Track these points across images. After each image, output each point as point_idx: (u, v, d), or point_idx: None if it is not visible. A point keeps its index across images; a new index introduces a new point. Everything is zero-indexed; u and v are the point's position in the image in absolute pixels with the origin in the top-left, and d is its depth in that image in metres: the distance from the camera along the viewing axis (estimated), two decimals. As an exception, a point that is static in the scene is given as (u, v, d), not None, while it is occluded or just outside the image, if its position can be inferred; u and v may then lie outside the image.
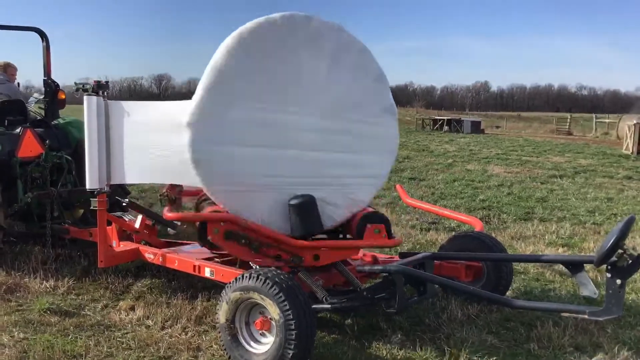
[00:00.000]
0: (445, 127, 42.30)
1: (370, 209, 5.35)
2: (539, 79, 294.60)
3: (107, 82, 5.32)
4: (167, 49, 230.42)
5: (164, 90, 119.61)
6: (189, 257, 5.53)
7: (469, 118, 47.70)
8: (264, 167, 4.88)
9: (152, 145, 5.05)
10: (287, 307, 4.07)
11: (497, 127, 51.21)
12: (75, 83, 5.38)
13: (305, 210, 4.92)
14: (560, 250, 7.93)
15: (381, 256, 5.70)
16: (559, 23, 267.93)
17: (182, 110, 4.69)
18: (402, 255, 5.63)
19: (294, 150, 4.96)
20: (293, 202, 4.91)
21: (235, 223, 4.80)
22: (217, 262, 5.46)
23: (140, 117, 5.20)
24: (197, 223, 5.11)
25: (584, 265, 4.77)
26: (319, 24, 4.97)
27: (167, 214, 5.32)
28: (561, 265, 6.41)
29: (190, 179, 4.82)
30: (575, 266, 4.79)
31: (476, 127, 41.76)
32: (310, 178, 5.05)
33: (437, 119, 45.74)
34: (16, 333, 4.93)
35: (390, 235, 5.11)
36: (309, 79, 4.97)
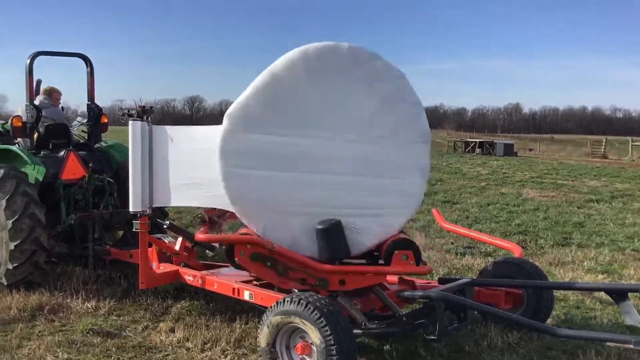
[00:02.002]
0: (478, 150, 42.00)
1: (402, 235, 5.26)
2: (572, 101, 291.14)
3: (151, 107, 5.45)
4: (200, 71, 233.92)
5: (196, 112, 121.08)
6: (228, 279, 5.59)
7: (502, 140, 47.30)
8: (295, 191, 4.94)
9: (193, 169, 5.16)
10: (329, 332, 4.08)
11: (530, 149, 50.62)
12: (121, 109, 5.53)
13: (331, 234, 4.92)
14: (600, 277, 7.79)
15: (419, 281, 5.67)
16: (592, 44, 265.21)
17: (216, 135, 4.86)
18: (442, 280, 5.60)
19: (325, 175, 5.01)
20: (319, 226, 4.92)
21: (261, 246, 4.87)
22: (256, 285, 5.50)
23: (182, 141, 5.31)
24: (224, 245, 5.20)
25: (629, 294, 4.69)
26: (353, 52, 5.00)
27: (199, 235, 5.41)
28: (602, 293, 6.34)
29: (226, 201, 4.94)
30: (619, 294, 4.72)
31: (509, 150, 41.35)
32: (341, 205, 5.05)
33: (469, 141, 45.50)
34: (60, 353, 5.02)
35: (419, 262, 5.05)
36: (343, 106, 5.01)
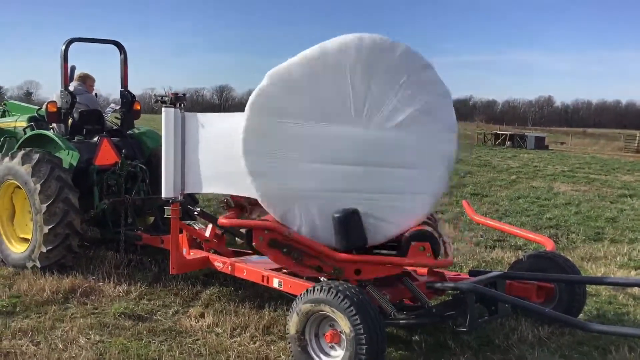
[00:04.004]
0: (508, 142, 41.49)
1: (421, 227, 5.05)
2: (605, 95, 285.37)
3: (184, 94, 5.48)
4: (229, 60, 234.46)
5: (224, 101, 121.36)
6: (258, 267, 5.61)
7: (533, 133, 46.65)
8: (316, 178, 4.89)
9: (224, 155, 5.19)
10: (358, 321, 4.09)
11: (562, 143, 49.89)
12: (155, 95, 5.57)
13: (348, 223, 4.81)
14: (633, 273, 7.67)
15: (450, 273, 5.64)
16: (628, 37, 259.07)
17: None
18: (472, 273, 5.55)
19: (347, 163, 4.89)
20: (336, 215, 4.81)
21: (279, 232, 4.89)
22: (285, 273, 5.51)
23: (214, 129, 5.35)
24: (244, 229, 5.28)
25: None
26: (372, 42, 4.86)
27: (222, 220, 5.45)
28: (635, 289, 6.24)
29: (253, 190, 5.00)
30: (655, 291, 4.63)
31: (540, 143, 40.79)
32: (359, 192, 4.91)
33: (499, 133, 44.94)
34: (92, 336, 5.12)
35: (437, 254, 4.87)
36: (361, 94, 4.84)
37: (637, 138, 43.74)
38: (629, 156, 35.64)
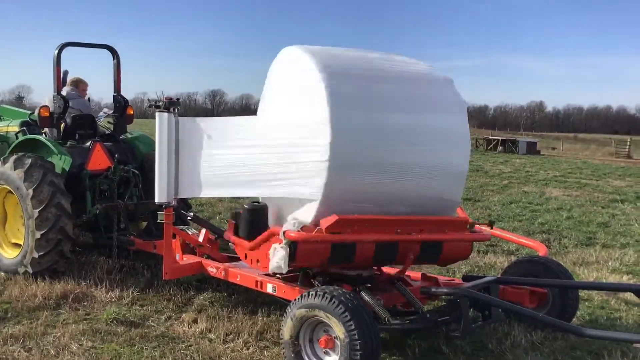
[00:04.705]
0: (500, 148, 41.60)
1: None
2: (596, 100, 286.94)
3: (178, 99, 5.47)
4: (221, 64, 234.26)
5: (217, 105, 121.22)
6: (251, 272, 5.60)
7: (525, 138, 46.81)
8: None
9: (221, 159, 5.19)
10: (353, 326, 4.08)
11: (553, 148, 50.02)
12: (149, 100, 5.56)
13: None
14: (625, 278, 7.70)
15: (443, 278, 5.65)
16: (619, 42, 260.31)
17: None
18: (466, 278, 5.57)
19: None
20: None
21: None
22: (279, 278, 5.50)
23: (210, 133, 5.34)
24: None
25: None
26: None
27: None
28: (627, 294, 6.27)
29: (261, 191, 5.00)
30: (648, 296, 4.65)
31: (532, 148, 40.92)
32: None
33: (491, 138, 45.01)
34: (85, 342, 5.08)
35: None
36: None
37: (628, 143, 43.95)
38: (620, 161, 35.81)
